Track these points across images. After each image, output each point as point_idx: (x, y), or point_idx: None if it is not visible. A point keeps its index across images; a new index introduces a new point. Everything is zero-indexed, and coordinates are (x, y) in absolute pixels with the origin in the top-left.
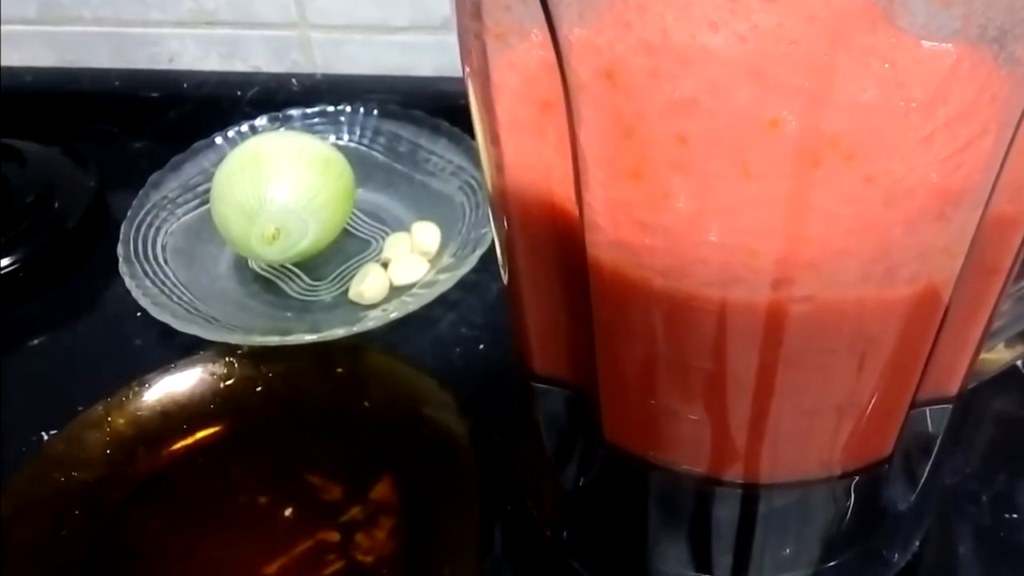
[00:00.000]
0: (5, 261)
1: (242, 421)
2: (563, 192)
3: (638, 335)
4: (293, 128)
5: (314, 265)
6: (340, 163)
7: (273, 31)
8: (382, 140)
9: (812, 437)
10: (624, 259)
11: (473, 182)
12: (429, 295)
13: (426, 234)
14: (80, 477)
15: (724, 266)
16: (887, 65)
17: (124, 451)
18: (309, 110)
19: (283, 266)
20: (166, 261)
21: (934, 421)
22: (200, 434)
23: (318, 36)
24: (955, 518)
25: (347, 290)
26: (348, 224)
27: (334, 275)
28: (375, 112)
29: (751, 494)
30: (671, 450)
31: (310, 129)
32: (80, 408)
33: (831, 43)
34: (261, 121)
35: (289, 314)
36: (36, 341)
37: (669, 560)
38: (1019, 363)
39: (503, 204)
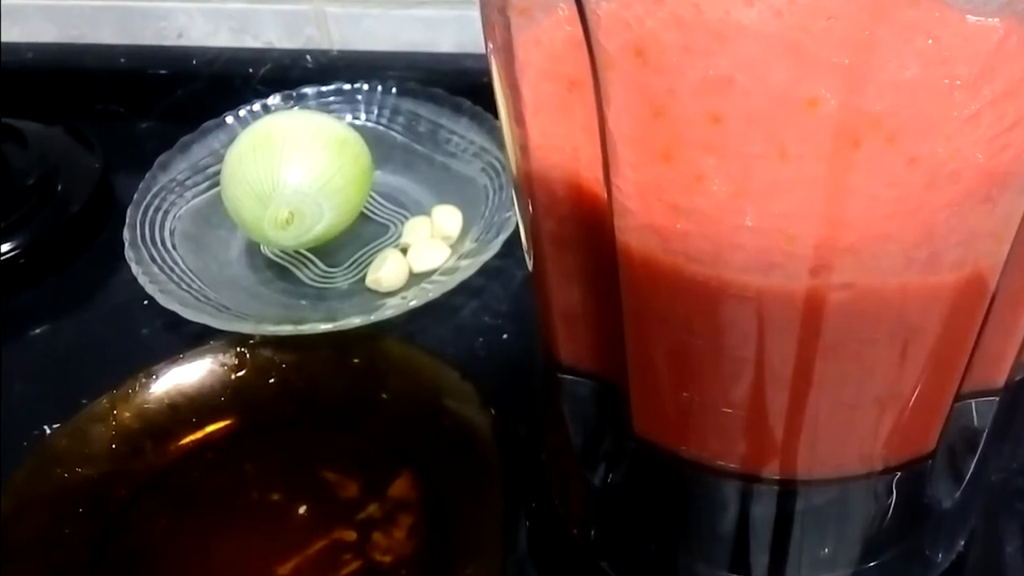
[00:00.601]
0: (6, 247)
1: (254, 414)
2: (591, 174)
3: (669, 324)
4: (307, 107)
5: (330, 251)
6: (357, 144)
7: (287, 5)
8: (401, 120)
9: (852, 431)
10: (655, 244)
11: (496, 164)
12: (450, 282)
13: (447, 218)
14: (84, 473)
15: (760, 252)
16: (930, 41)
17: (130, 446)
18: (324, 88)
19: (297, 252)
20: (174, 246)
21: (980, 414)
22: (210, 428)
23: (334, 10)
24: (1002, 516)
25: (364, 277)
26: (365, 208)
27: (351, 261)
28: (394, 90)
29: (788, 491)
30: (704, 445)
31: (325, 108)
32: (84, 401)
33: (872, 18)
34: (274, 100)
35: (303, 302)
36: (38, 330)
37: (702, 560)
38: None
39: (528, 187)
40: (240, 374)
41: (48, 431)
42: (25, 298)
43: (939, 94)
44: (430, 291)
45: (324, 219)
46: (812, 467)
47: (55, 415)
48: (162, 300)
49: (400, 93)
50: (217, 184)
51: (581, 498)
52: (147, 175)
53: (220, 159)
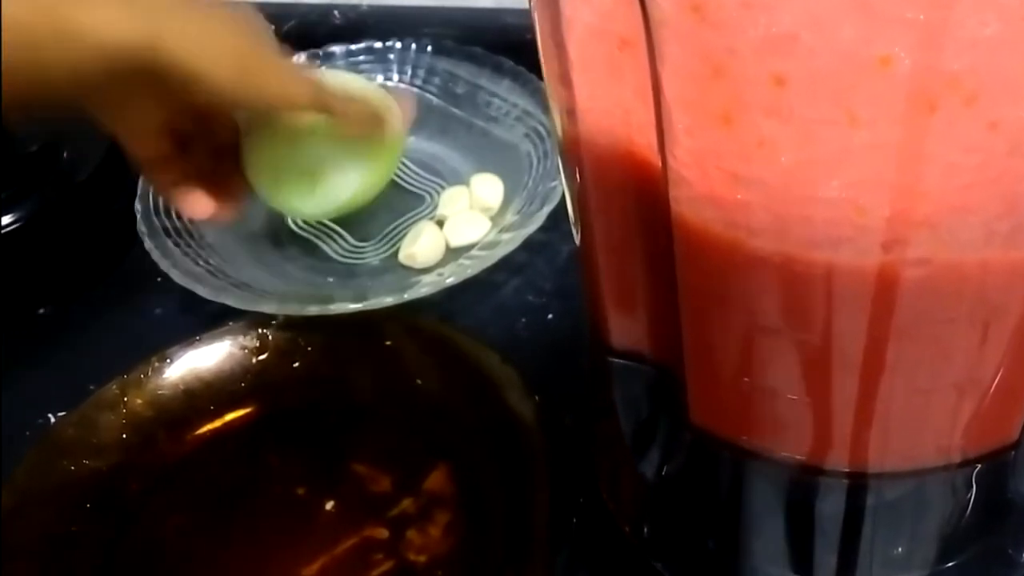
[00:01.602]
0: (6, 219)
1: (277, 402)
2: (643, 140)
3: (729, 303)
4: (335, 67)
5: (359, 223)
6: (388, 105)
7: None
8: (437, 81)
9: (928, 419)
10: (713, 217)
11: (540, 129)
12: (490, 257)
13: (487, 188)
14: (92, 465)
15: (828, 224)
16: None
17: (142, 436)
18: (354, 47)
19: (323, 224)
20: (189, 219)
21: None
22: (229, 416)
23: None
24: None
25: (397, 252)
26: (398, 177)
27: (382, 235)
28: (429, 49)
29: (858, 484)
30: (767, 435)
31: (354, 68)
32: (92, 387)
33: None
34: (299, 59)
35: (331, 279)
36: (42, 311)
37: (765, 560)
38: None
39: (575, 154)
40: (262, 358)
41: (53, 420)
42: (27, 275)
43: (1022, 52)
44: (468, 267)
45: (351, 186)
46: (884, 459)
47: (60, 403)
48: (177, 277)
49: (436, 52)
50: None
51: (633, 493)
52: None
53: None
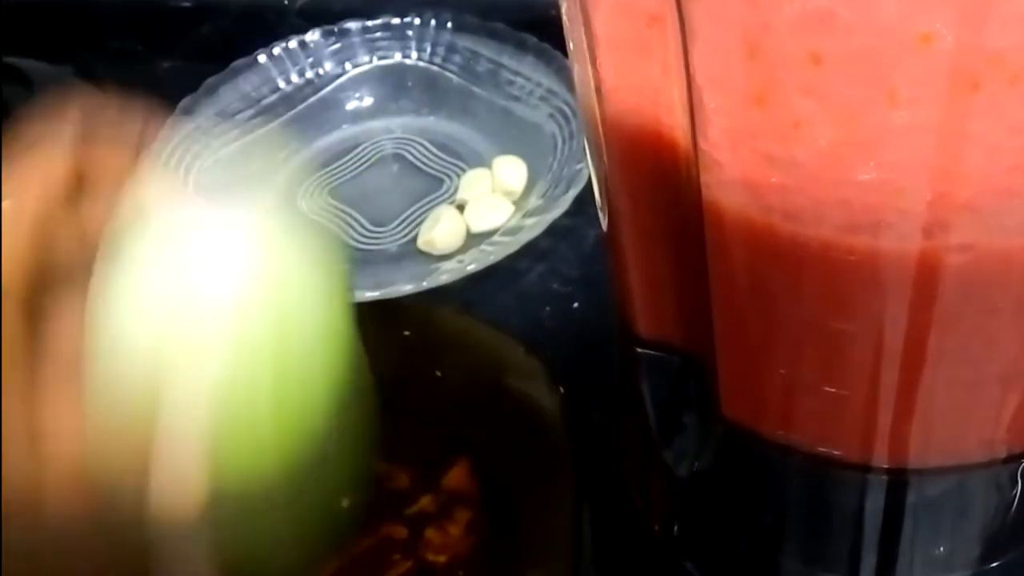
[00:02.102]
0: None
1: None
2: (673, 121)
3: (763, 291)
4: (351, 44)
5: (375, 207)
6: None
7: None
8: (457, 59)
9: (971, 413)
10: (747, 201)
11: (566, 108)
12: (513, 243)
13: (510, 171)
14: None
15: (867, 209)
16: None
17: None
18: (370, 23)
19: (340, 210)
20: None
21: None
22: None
23: None
24: None
25: (415, 238)
26: (417, 159)
27: (400, 220)
28: (449, 25)
29: (899, 481)
30: (803, 429)
31: (371, 45)
32: None
33: None
34: (313, 35)
35: (346, 266)
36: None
37: (800, 560)
38: None
39: (602, 135)
40: None
41: None
42: None
43: None
44: (490, 254)
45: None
46: (926, 454)
47: None
48: None
49: (456, 28)
50: (248, 132)
51: (662, 490)
52: (169, 121)
53: (252, 103)
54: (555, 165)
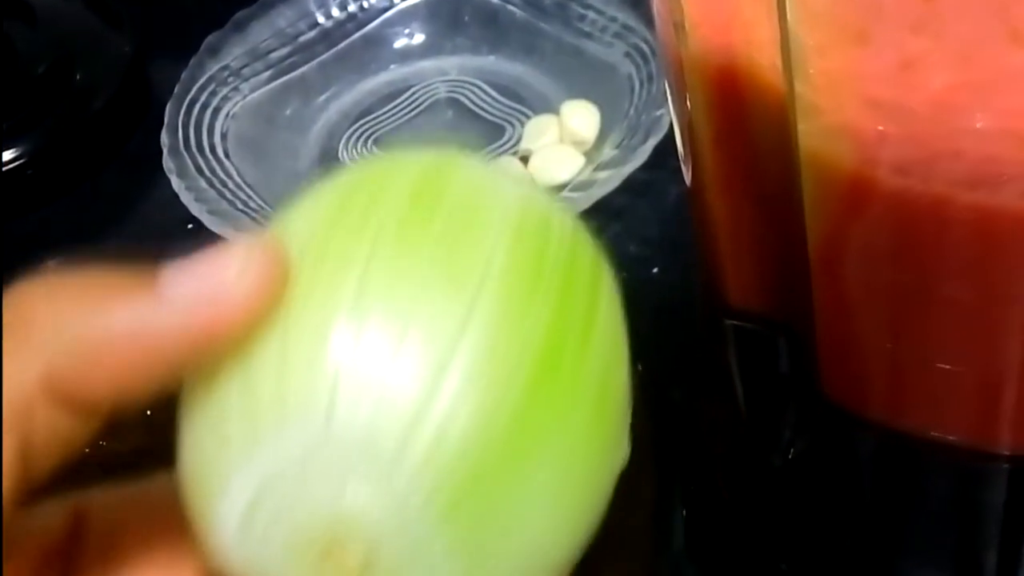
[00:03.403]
0: (9, 154)
1: None
2: (766, 61)
3: (867, 253)
4: None
5: None
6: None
7: None
8: None
9: None
10: (849, 151)
11: (644, 47)
12: (585, 200)
13: (580, 117)
14: (110, 447)
15: (985, 161)
16: None
17: (169, 413)
18: None
19: None
20: (227, 154)
21: None
22: None
23: None
24: None
25: None
26: (474, 105)
27: None
28: None
29: (1023, 470)
30: (915, 411)
31: None
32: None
33: None
34: None
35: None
36: (50, 262)
37: (912, 559)
38: None
39: (686, 77)
40: None
41: None
42: (36, 219)
43: None
44: None
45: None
46: None
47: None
48: (211, 223)
49: None
50: (282, 73)
51: (753, 480)
52: (192, 62)
53: (286, 41)
54: (631, 111)
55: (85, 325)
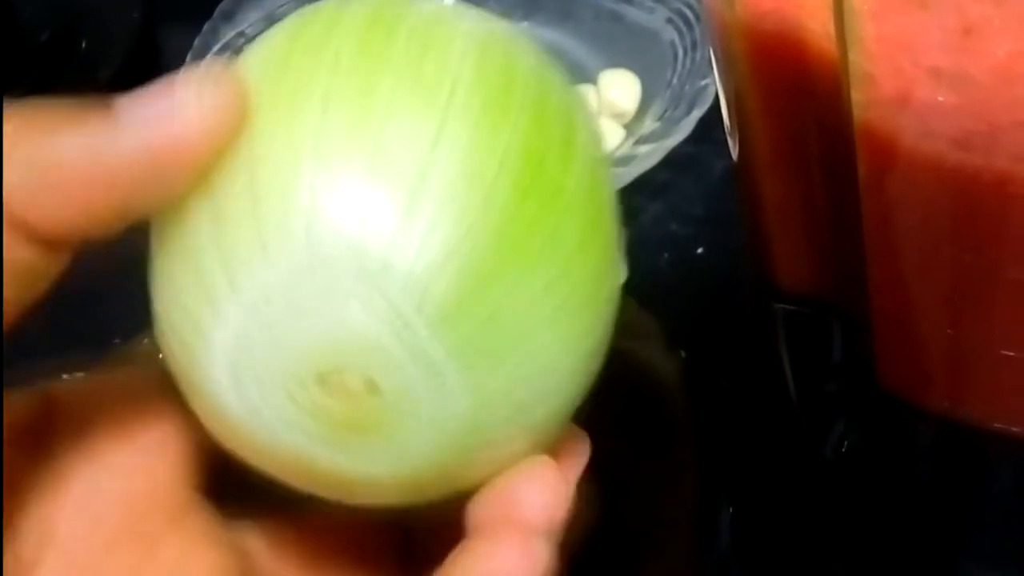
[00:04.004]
0: None
1: None
2: (818, 26)
3: (926, 233)
4: None
5: None
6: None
7: None
8: None
9: None
10: (907, 124)
11: (688, 12)
12: (625, 175)
13: (620, 88)
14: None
15: None
16: None
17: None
18: None
19: None
20: None
21: None
22: None
23: None
24: None
25: None
26: None
27: None
28: None
29: None
30: (976, 401)
31: None
32: (117, 341)
33: None
34: None
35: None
36: None
37: (974, 560)
38: None
39: (733, 44)
40: None
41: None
42: None
43: None
44: None
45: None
46: None
47: (78, 359)
48: None
49: None
50: None
51: (804, 475)
52: (205, 27)
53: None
54: (675, 81)
55: (35, 149)
